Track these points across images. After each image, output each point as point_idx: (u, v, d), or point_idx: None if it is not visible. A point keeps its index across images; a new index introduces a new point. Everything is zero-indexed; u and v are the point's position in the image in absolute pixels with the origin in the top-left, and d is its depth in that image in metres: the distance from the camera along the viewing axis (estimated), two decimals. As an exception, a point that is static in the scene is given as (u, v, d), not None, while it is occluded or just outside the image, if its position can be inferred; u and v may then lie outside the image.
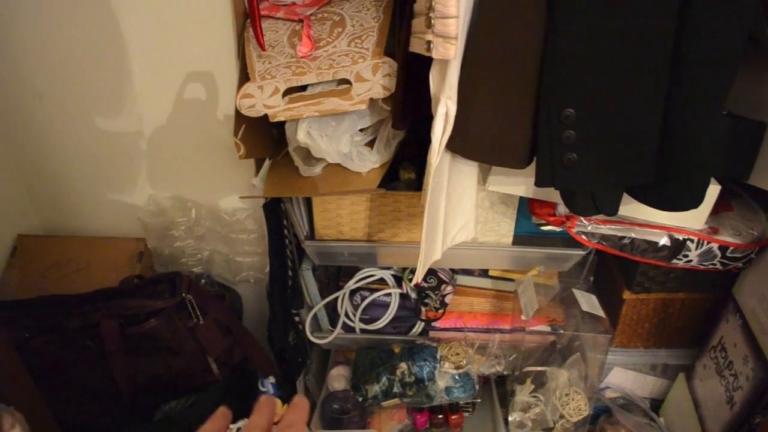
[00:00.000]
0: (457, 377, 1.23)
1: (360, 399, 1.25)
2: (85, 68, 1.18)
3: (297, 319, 1.32)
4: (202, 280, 1.40)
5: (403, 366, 1.23)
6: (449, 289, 1.28)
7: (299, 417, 0.54)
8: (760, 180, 0.93)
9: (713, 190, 0.93)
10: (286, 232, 1.22)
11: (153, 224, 1.36)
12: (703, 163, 0.78)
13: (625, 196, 0.85)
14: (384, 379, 1.23)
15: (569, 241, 1.09)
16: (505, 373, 1.27)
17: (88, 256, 1.35)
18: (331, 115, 0.96)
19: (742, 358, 1.05)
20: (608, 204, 0.84)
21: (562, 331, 1.25)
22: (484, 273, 1.31)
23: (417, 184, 1.14)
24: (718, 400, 1.12)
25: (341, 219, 1.14)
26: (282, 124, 1.00)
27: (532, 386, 1.23)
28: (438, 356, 1.24)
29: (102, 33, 1.13)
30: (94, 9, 1.10)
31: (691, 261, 1.03)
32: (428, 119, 0.78)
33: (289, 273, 1.26)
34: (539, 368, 1.24)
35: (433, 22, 0.70)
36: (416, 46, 0.77)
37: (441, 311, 1.29)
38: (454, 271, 1.31)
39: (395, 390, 1.22)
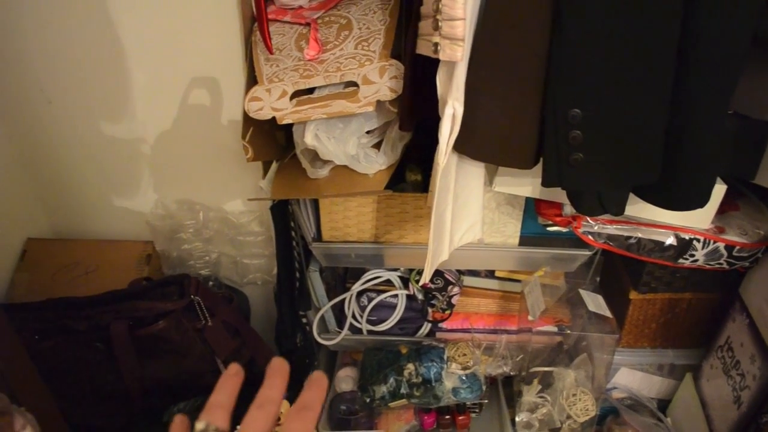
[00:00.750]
0: (464, 378, 1.23)
1: (367, 400, 1.25)
2: (93, 73, 1.19)
3: (304, 320, 1.33)
4: (210, 283, 1.41)
5: (411, 367, 1.24)
6: (456, 290, 1.28)
7: (316, 397, 0.47)
8: (767, 179, 0.93)
9: (719, 190, 0.93)
10: (293, 234, 1.23)
11: (161, 227, 1.37)
12: (709, 162, 0.78)
13: (632, 196, 0.86)
14: (391, 379, 1.23)
15: (575, 242, 1.09)
16: (512, 373, 1.27)
17: (96, 259, 1.36)
18: (339, 118, 0.97)
19: (749, 357, 1.05)
20: (615, 204, 0.85)
21: (568, 332, 1.25)
22: (490, 274, 1.31)
23: (423, 186, 1.14)
24: (726, 400, 1.12)
25: (348, 221, 1.15)
26: (289, 126, 1.01)
27: (539, 387, 1.23)
28: (445, 357, 1.24)
29: (109, 38, 1.14)
30: (101, 15, 1.11)
31: (697, 260, 1.03)
32: (434, 121, 0.79)
33: (297, 275, 1.27)
34: (546, 369, 1.24)
35: (440, 24, 0.71)
36: (423, 48, 0.78)
37: (448, 312, 1.29)
38: (460, 272, 1.31)
39: (402, 391, 1.23)
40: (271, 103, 0.93)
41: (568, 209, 1.02)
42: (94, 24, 1.12)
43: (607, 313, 1.17)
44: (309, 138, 0.97)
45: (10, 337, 0.93)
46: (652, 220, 1.00)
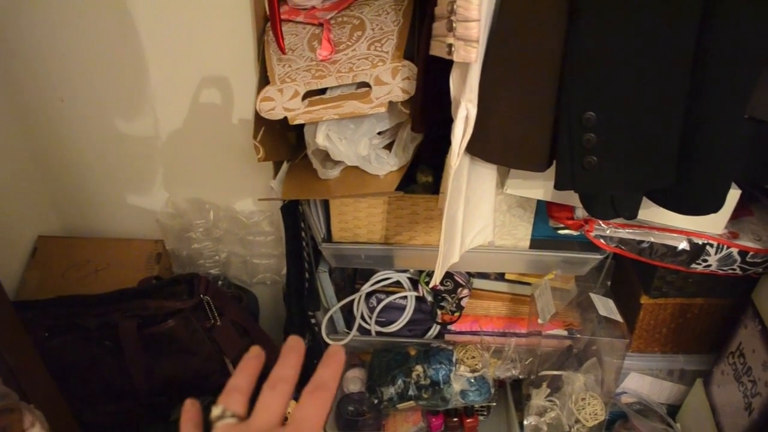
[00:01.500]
0: (472, 380, 1.23)
1: (375, 401, 1.25)
2: (104, 72, 1.19)
3: (313, 321, 1.33)
4: (219, 282, 1.41)
5: (419, 369, 1.23)
6: (465, 292, 1.28)
7: (333, 374, 0.44)
8: (782, 184, 0.92)
9: (733, 195, 0.93)
10: (303, 234, 1.23)
11: (171, 226, 1.37)
12: (724, 167, 0.78)
13: (644, 200, 0.85)
14: (399, 381, 1.23)
15: (586, 245, 1.09)
16: (520, 377, 1.26)
17: (107, 257, 1.36)
18: (350, 118, 0.96)
19: (762, 363, 1.04)
20: (628, 207, 0.84)
21: (578, 336, 1.25)
22: (500, 276, 1.31)
23: (434, 188, 1.14)
24: (736, 407, 1.11)
25: (358, 222, 1.14)
26: (301, 127, 1.01)
27: (548, 390, 1.23)
28: (454, 359, 1.24)
29: (121, 37, 1.14)
30: (114, 14, 1.11)
31: (710, 266, 1.02)
32: (446, 122, 0.79)
33: (306, 275, 1.27)
34: (555, 372, 1.24)
35: (454, 25, 0.70)
36: (437, 50, 0.77)
37: (457, 314, 1.29)
38: (470, 275, 1.31)
39: (411, 392, 1.23)
40: (283, 103, 0.93)
41: (580, 212, 1.01)
42: (107, 23, 1.13)
43: (618, 318, 1.17)
44: (320, 138, 0.97)
45: (20, 335, 0.93)
46: (664, 225, 1.00)
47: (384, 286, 1.31)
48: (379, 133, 1.01)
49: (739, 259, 1.01)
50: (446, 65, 0.76)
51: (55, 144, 1.30)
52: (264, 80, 0.95)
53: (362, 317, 1.31)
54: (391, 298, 1.29)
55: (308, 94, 0.93)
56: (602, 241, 1.02)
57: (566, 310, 1.24)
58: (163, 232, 1.39)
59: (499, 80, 0.75)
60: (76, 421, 1.05)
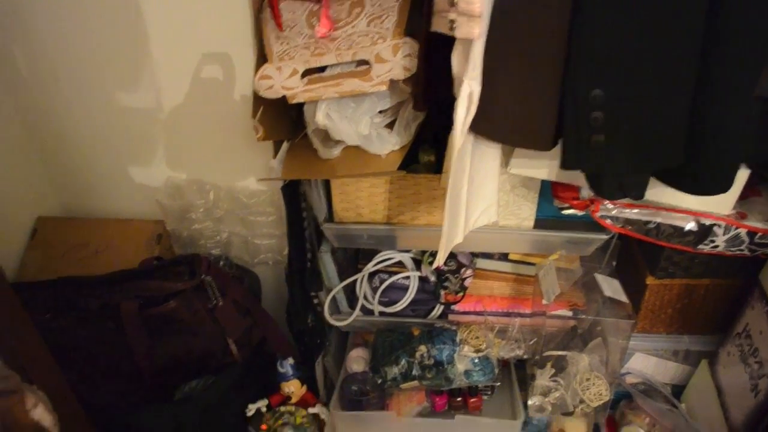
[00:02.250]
0: (476, 360, 1.22)
1: (379, 381, 1.25)
2: (102, 50, 1.17)
3: (316, 301, 1.32)
4: (221, 262, 1.40)
5: (423, 349, 1.23)
6: (469, 272, 1.27)
7: None
8: (792, 164, 0.90)
9: (742, 175, 0.91)
10: (304, 214, 1.22)
11: (171, 206, 1.36)
12: (733, 146, 0.76)
13: (651, 180, 0.83)
14: (403, 361, 1.23)
15: (591, 225, 1.07)
16: (525, 357, 1.26)
17: (107, 238, 1.35)
18: (351, 97, 0.95)
19: (769, 345, 1.03)
20: (635, 187, 0.83)
21: (583, 316, 1.24)
22: (503, 257, 1.29)
23: (437, 167, 1.12)
24: (742, 387, 1.10)
25: (360, 201, 1.13)
26: (300, 105, 0.99)
27: (553, 370, 1.22)
28: (457, 339, 1.23)
29: (120, 14, 1.12)
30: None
31: (717, 246, 1.01)
32: (448, 101, 0.77)
33: (308, 255, 1.26)
34: (560, 353, 1.23)
35: (456, 0, 0.68)
36: (438, 25, 0.75)
37: (461, 294, 1.28)
38: (474, 255, 1.29)
39: (414, 372, 1.22)
40: (282, 81, 0.91)
41: (586, 192, 1.00)
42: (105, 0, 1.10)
43: (623, 298, 1.16)
44: (320, 117, 0.95)
45: (21, 316, 0.93)
46: (672, 205, 0.98)
47: (387, 266, 1.30)
48: (380, 112, 0.99)
49: (747, 240, 0.99)
50: (449, 41, 0.74)
51: (54, 124, 1.28)
52: (262, 58, 0.94)
53: (365, 297, 1.30)
54: (394, 278, 1.28)
55: (307, 72, 0.91)
56: (608, 221, 1.01)
57: (571, 290, 1.23)
58: (164, 213, 1.38)
59: (503, 57, 0.72)
60: (79, 402, 1.06)
